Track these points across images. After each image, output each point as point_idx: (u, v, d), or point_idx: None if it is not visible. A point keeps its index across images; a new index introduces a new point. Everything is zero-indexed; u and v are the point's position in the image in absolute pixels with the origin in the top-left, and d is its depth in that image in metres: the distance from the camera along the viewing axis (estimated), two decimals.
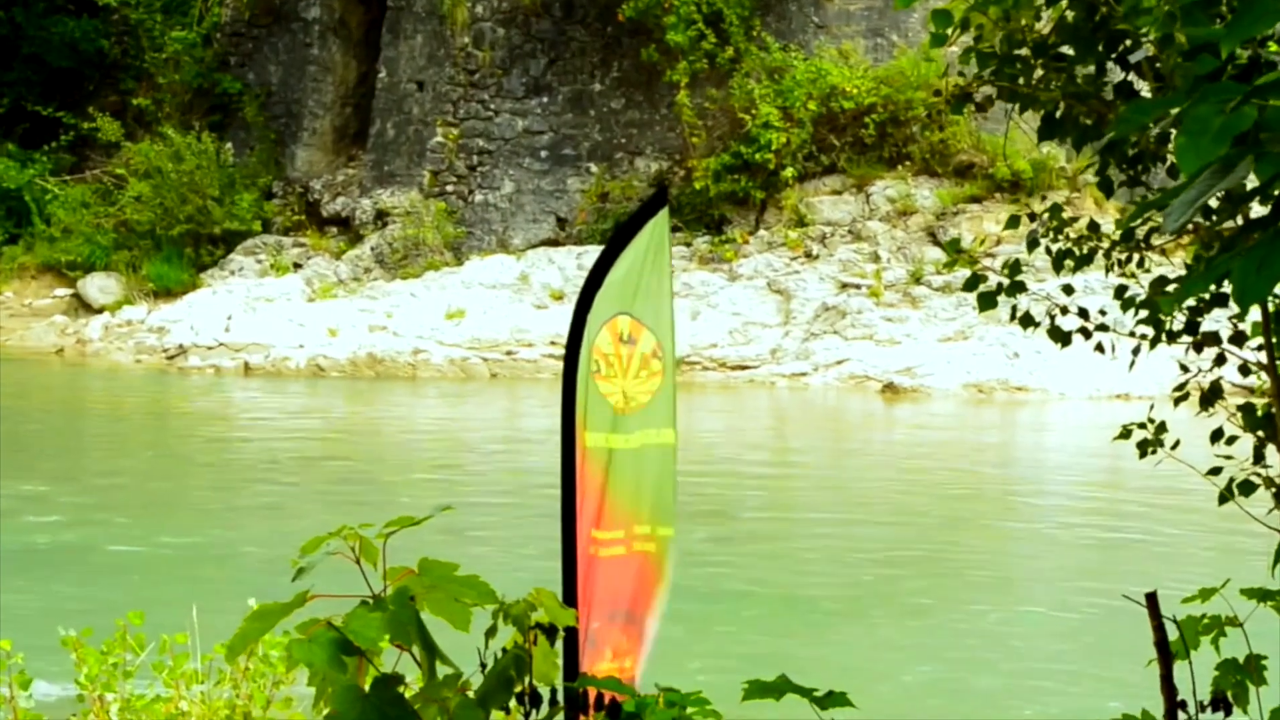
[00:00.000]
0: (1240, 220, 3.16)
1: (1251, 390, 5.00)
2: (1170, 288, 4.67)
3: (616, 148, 30.40)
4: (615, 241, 4.70)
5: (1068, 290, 5.23)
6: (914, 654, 11.72)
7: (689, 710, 2.91)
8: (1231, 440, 4.89)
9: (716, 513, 16.20)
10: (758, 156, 28.46)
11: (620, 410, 4.64)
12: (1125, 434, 4.99)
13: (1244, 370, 4.88)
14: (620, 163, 30.32)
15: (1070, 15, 4.47)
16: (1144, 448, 4.97)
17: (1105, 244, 4.99)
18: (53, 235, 31.81)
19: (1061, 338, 5.07)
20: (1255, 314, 4.33)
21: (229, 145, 32.15)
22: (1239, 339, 4.87)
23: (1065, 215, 5.08)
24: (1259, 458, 4.77)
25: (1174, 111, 2.02)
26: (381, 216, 30.92)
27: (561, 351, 5.07)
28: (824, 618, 12.84)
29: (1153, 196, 5.14)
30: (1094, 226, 5.06)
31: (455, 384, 26.60)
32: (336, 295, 29.68)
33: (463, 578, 2.59)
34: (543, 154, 30.64)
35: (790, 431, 24.16)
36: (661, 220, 4.72)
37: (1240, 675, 3.75)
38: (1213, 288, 4.60)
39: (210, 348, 28.10)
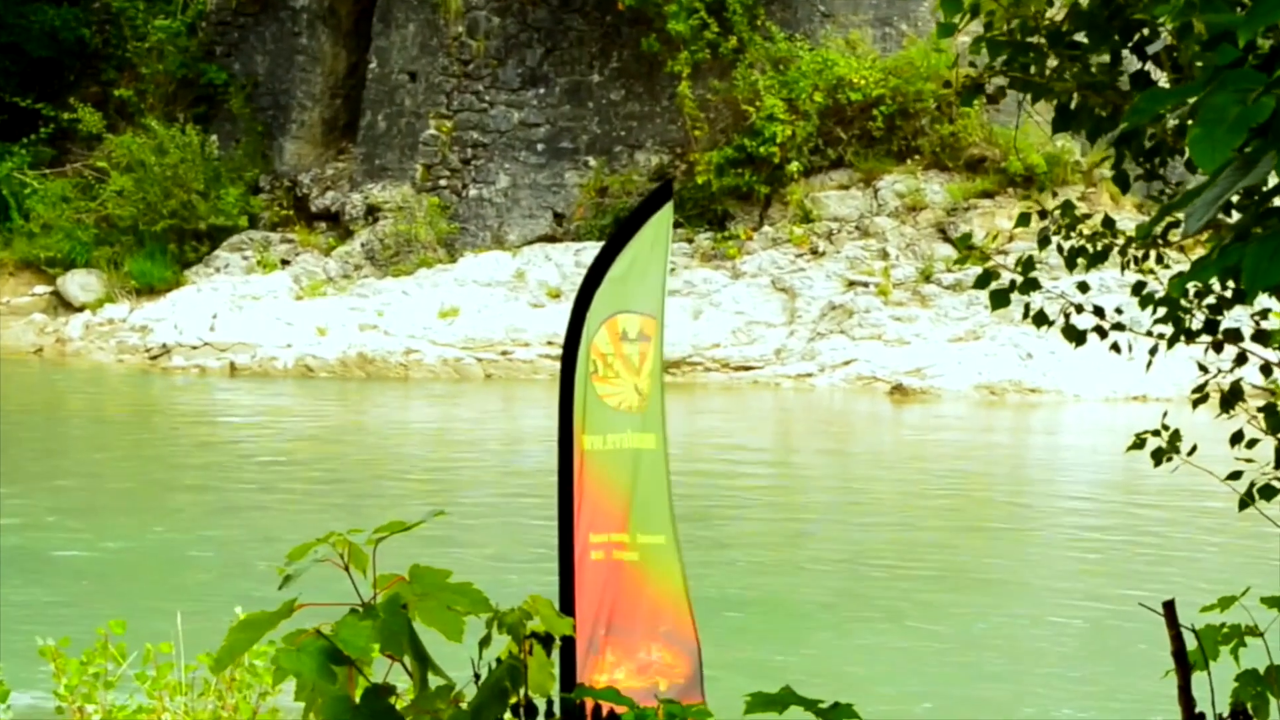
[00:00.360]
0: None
1: (1273, 391, 4.90)
2: (1189, 286, 4.58)
3: (616, 141, 30.30)
4: (617, 237, 4.61)
5: (1083, 288, 5.15)
6: (914, 659, 11.66)
7: None
8: (1252, 443, 4.80)
9: (714, 516, 16.13)
10: (762, 150, 28.32)
11: (615, 410, 4.56)
12: (1139, 444, 4.91)
13: (1265, 370, 4.79)
14: (619, 156, 30.21)
15: (1084, 1, 4.37)
16: (1158, 457, 4.88)
17: (1120, 240, 4.90)
18: (32, 231, 31.59)
19: (1076, 337, 4.99)
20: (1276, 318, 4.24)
21: (214, 138, 31.95)
22: (1260, 338, 4.78)
23: (1080, 211, 5.00)
24: None
25: (1190, 101, 1.96)
26: (372, 212, 30.78)
27: (559, 352, 4.97)
28: (823, 622, 12.79)
29: (1170, 190, 5.02)
30: (1108, 223, 4.99)
31: (448, 385, 26.47)
32: (326, 293, 29.55)
33: (455, 585, 2.55)
34: (539, 147, 30.53)
35: (794, 434, 24.07)
36: (665, 216, 4.63)
37: (1260, 687, 3.66)
38: (1232, 284, 4.49)
39: (195, 347, 27.93)
